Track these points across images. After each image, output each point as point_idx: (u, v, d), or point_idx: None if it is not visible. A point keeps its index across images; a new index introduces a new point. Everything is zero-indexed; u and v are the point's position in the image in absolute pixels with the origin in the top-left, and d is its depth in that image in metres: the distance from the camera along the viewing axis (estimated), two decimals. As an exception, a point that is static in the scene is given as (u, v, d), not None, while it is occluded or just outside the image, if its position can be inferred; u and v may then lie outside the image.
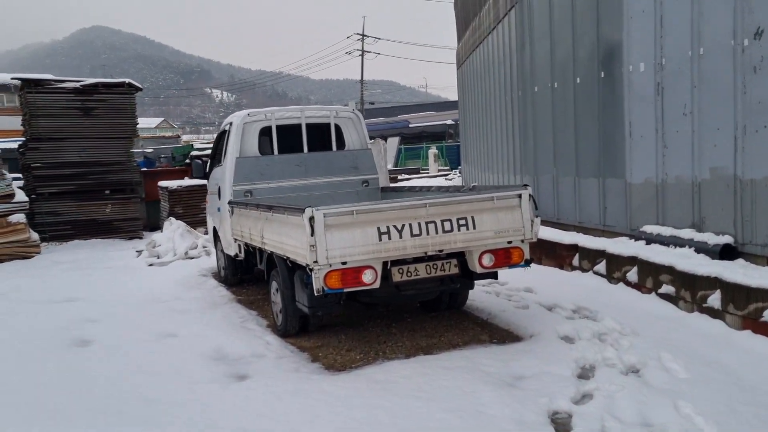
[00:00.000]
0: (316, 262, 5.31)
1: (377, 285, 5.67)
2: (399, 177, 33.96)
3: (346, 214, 5.44)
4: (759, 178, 6.14)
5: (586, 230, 9.05)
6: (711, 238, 6.60)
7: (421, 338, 6.33)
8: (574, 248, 8.25)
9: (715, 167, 6.68)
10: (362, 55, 72.88)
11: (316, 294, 5.46)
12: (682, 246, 6.89)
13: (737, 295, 5.54)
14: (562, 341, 5.91)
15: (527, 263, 6.21)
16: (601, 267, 7.65)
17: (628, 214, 8.07)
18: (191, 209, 15.00)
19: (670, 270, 6.45)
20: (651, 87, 7.53)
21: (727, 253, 6.43)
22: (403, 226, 5.67)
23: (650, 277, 6.74)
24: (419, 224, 5.69)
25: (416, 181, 30.42)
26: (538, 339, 6.04)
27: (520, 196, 6.05)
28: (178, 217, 13.99)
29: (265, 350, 6.20)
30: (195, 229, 13.31)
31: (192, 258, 12.07)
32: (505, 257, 6.10)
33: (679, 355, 5.23)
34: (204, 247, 12.32)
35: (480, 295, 7.64)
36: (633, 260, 7.06)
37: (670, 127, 7.29)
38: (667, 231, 7.24)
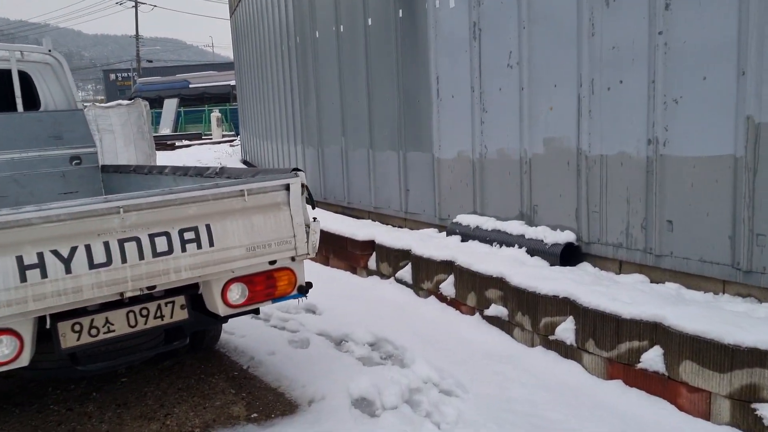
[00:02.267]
0: None
1: (25, 361, 3.10)
2: (177, 144, 30.24)
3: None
4: (612, 153, 4.48)
5: (384, 218, 7.07)
6: (548, 235, 4.88)
7: (131, 421, 3.82)
8: (370, 245, 6.21)
9: (551, 138, 4.94)
10: (136, 6, 65.45)
11: None
12: (510, 245, 5.12)
13: (600, 326, 3.81)
14: (357, 413, 3.78)
15: (303, 291, 4.00)
16: (406, 273, 5.68)
17: (436, 200, 6.19)
18: None
19: (500, 283, 4.62)
20: (465, 28, 5.62)
21: (568, 255, 4.76)
22: (74, 250, 3.13)
23: (473, 292, 4.88)
24: (106, 245, 3.20)
25: (196, 150, 27.11)
26: (321, 410, 3.86)
27: (287, 187, 3.78)
28: None
29: None
30: None
31: None
32: (266, 287, 3.84)
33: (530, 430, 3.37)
34: None
35: (241, 322, 5.28)
36: (448, 266, 5.16)
37: (490, 84, 5.44)
38: (488, 223, 5.44)
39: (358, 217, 7.47)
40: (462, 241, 5.59)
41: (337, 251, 6.57)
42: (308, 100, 8.39)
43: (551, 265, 4.75)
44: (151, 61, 71.39)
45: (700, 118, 3.91)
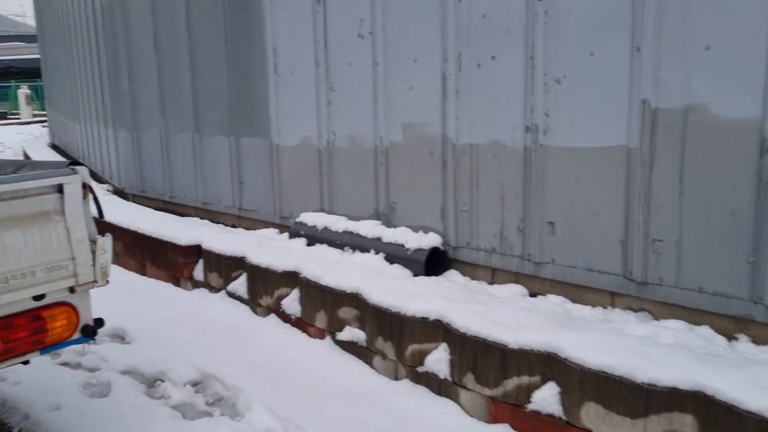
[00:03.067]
0: None
1: None
2: (-25, 124, 26.30)
3: None
4: (484, 142, 3.80)
5: (215, 216, 5.97)
6: (410, 239, 4.12)
7: None
8: (196, 251, 5.10)
9: (411, 123, 4.17)
10: (-77, -36, 56.95)
11: None
12: (365, 250, 4.30)
13: (481, 357, 3.09)
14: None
15: (89, 333, 2.89)
16: (241, 285, 4.67)
17: (276, 195, 5.22)
18: None
19: (355, 301, 3.77)
20: (307, -10, 4.68)
21: (433, 261, 4.04)
22: None
23: (323, 311, 3.99)
24: None
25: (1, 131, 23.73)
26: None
27: (60, 189, 2.64)
28: None
29: None
30: None
31: None
32: (31, 332, 2.71)
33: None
34: None
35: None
36: (292, 278, 4.23)
37: (338, 57, 4.56)
38: (339, 223, 4.58)
39: (182, 214, 6.29)
40: (308, 244, 4.69)
41: (156, 258, 5.39)
42: (118, 75, 6.99)
43: (415, 275, 4.00)
44: (-55, 29, 62.38)
45: (587, 101, 3.30)
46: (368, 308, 3.64)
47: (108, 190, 7.61)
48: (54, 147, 13.31)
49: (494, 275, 3.92)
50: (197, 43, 5.75)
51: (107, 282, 2.85)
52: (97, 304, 4.57)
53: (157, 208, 6.59)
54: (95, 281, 2.78)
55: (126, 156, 7.03)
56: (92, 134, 8.82)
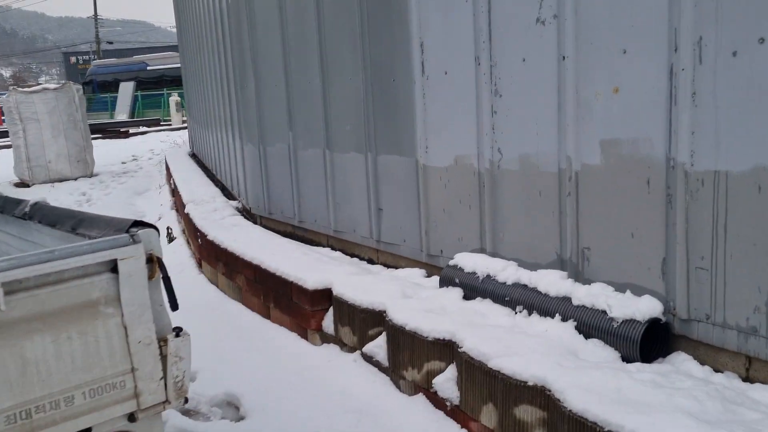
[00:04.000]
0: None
1: None
2: (132, 131, 27.90)
3: None
4: (742, 169, 2.51)
5: (349, 246, 5.05)
6: (613, 302, 2.91)
7: None
8: (326, 297, 4.18)
9: (615, 140, 2.95)
10: (92, -15, 62.40)
11: None
12: (546, 313, 3.14)
13: None
14: None
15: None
16: (379, 348, 3.67)
17: (423, 226, 4.18)
18: None
19: (542, 399, 2.63)
20: (466, -35, 3.59)
21: (651, 339, 2.80)
22: None
23: (492, 404, 2.88)
24: None
25: (153, 137, 24.87)
26: None
27: (114, 266, 1.72)
28: None
29: None
30: None
31: None
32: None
33: None
34: None
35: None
36: (446, 350, 3.15)
37: (507, 52, 3.43)
38: (507, 271, 3.45)
39: (312, 242, 5.44)
40: (465, 297, 3.60)
41: (280, 300, 4.54)
42: (245, 80, 6.27)
43: (624, 359, 2.79)
44: (111, 43, 68.24)
45: None
46: (564, 416, 2.48)
47: (236, 208, 6.97)
48: (193, 156, 13.24)
49: (750, 367, 2.62)
50: (328, 41, 4.84)
51: (185, 400, 1.92)
52: (215, 352, 3.77)
53: (285, 234, 5.80)
54: (167, 401, 1.86)
55: (253, 173, 6.32)
56: (222, 145, 8.30)
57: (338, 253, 5.01)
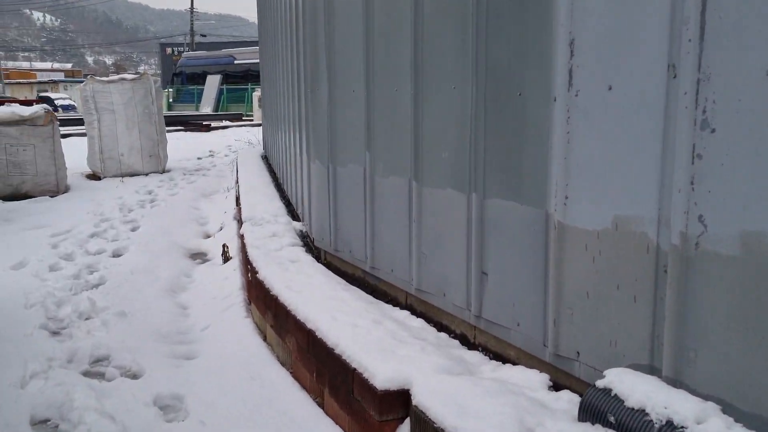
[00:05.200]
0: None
1: None
2: (213, 124, 27.70)
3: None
4: None
5: (435, 313, 3.73)
6: None
7: None
8: (401, 405, 2.88)
9: None
10: (189, -23, 63.93)
11: None
12: None
13: None
14: None
15: None
16: None
17: (551, 312, 2.81)
18: None
19: None
20: None
21: None
22: None
23: None
24: None
25: (232, 133, 24.51)
26: None
27: None
28: None
29: None
30: None
31: None
32: None
33: None
34: None
35: None
36: None
37: (737, 60, 2.02)
38: (711, 425, 2.05)
39: (386, 297, 4.18)
40: (622, 449, 2.23)
41: (337, 387, 3.28)
42: (317, 80, 5.06)
43: None
44: (204, 36, 69.74)
45: None
46: None
47: (299, 233, 5.80)
48: (264, 158, 12.29)
49: None
50: (426, 34, 3.55)
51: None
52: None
53: (353, 279, 4.56)
54: None
55: (319, 196, 5.11)
56: (289, 154, 7.16)
57: (419, 321, 3.71)
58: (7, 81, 51.30)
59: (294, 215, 6.77)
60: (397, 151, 3.92)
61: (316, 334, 3.50)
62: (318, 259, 5.08)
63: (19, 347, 4.45)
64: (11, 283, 5.85)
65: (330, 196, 4.84)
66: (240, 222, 7.38)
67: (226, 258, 6.93)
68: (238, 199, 8.71)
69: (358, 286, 4.40)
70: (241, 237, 6.03)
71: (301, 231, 6.04)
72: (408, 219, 3.83)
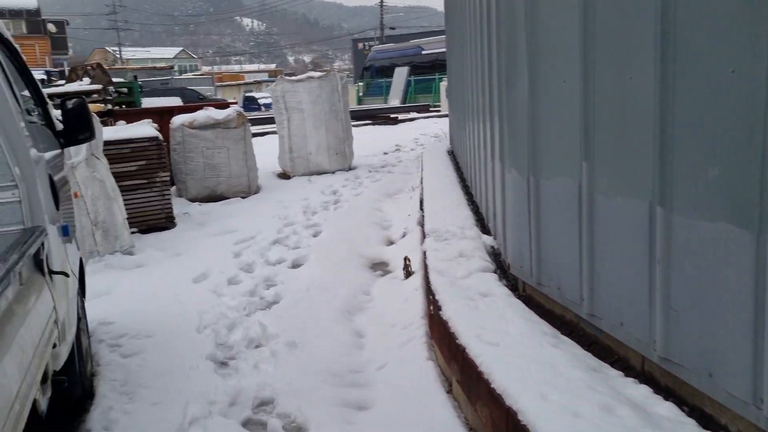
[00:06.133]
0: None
1: None
2: (400, 117, 27.60)
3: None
4: None
5: (686, 393, 2.60)
6: None
7: None
8: None
9: None
10: (379, -27, 65.29)
11: None
12: None
13: None
14: None
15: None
16: None
17: None
18: None
19: None
20: None
21: None
22: None
23: None
24: None
25: (419, 125, 24.18)
26: None
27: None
28: None
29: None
30: None
31: None
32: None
33: None
34: None
35: None
36: None
37: None
38: None
39: (608, 354, 3.10)
40: None
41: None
42: (514, 73, 4.06)
43: None
44: (393, 29, 70.90)
45: None
46: None
47: (489, 250, 4.88)
48: (450, 154, 11.48)
49: None
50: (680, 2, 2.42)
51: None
52: None
53: (561, 323, 3.54)
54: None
55: (515, 212, 4.13)
56: (477, 156, 6.23)
57: (667, 406, 2.60)
58: (218, 84, 56.32)
59: (483, 225, 5.85)
60: (628, 163, 2.83)
61: (519, 418, 2.56)
62: (515, 290, 4.11)
63: (183, 383, 4.06)
64: (190, 300, 5.63)
65: (530, 215, 3.84)
66: (423, 230, 6.61)
67: (407, 273, 6.21)
68: (421, 202, 7.99)
69: (569, 335, 3.38)
70: (423, 254, 5.25)
71: (492, 248, 5.11)
72: (648, 257, 2.73)
